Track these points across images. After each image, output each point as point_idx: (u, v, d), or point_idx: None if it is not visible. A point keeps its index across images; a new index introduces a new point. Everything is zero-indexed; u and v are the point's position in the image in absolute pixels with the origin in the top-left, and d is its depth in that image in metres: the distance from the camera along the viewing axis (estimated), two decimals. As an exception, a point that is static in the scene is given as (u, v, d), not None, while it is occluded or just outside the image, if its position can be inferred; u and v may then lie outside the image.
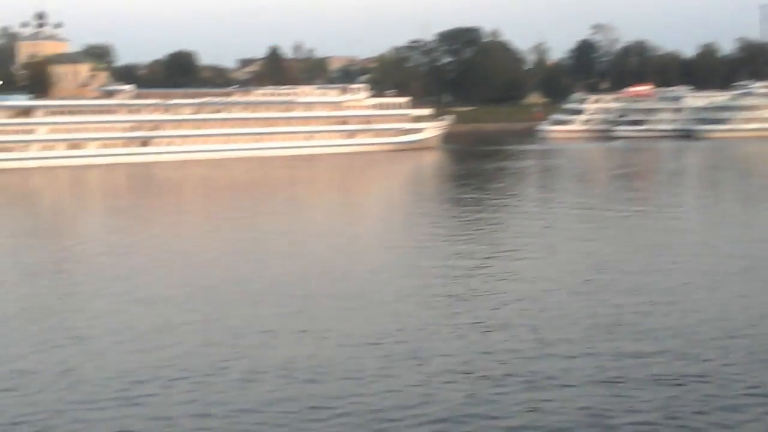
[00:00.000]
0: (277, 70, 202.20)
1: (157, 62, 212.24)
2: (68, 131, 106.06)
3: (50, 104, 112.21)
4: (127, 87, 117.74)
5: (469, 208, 60.83)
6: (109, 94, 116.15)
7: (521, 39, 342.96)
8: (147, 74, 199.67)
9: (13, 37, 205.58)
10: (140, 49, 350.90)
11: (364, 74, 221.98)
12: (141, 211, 64.78)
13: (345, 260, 40.47)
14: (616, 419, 19.95)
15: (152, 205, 70.35)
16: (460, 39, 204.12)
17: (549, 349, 25.05)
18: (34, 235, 53.00)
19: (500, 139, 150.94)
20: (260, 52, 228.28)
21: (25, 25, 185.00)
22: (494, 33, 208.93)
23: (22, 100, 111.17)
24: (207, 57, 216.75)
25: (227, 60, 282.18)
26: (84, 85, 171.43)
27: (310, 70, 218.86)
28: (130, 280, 36.32)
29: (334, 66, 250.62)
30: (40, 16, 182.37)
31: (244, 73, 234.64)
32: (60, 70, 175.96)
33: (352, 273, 37.29)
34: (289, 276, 36.59)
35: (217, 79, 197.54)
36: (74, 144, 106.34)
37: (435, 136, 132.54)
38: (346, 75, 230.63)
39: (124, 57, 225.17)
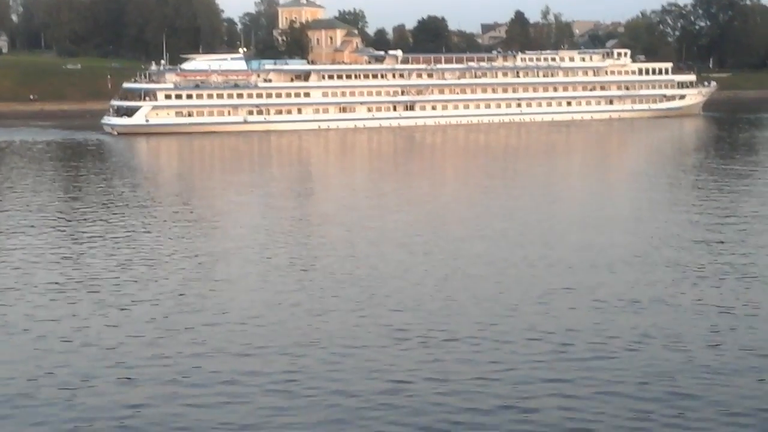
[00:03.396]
0: (523, 34, 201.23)
1: (400, 27, 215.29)
2: (340, 95, 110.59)
3: (324, 68, 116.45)
4: (396, 52, 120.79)
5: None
6: (378, 59, 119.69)
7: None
8: (395, 39, 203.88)
9: (273, 4, 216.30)
10: (388, 14, 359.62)
11: (610, 39, 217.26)
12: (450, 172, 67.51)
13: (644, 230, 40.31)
14: None
15: (454, 165, 73.57)
16: (718, 2, 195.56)
17: None
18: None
19: (761, 106, 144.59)
20: (501, 17, 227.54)
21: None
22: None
23: (299, 65, 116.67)
24: (451, 22, 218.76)
25: (469, 25, 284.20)
26: (338, 50, 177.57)
27: (555, 35, 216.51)
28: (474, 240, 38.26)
29: (579, 31, 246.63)
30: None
31: (487, 39, 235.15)
32: (316, 35, 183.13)
33: (664, 242, 37.20)
34: (614, 245, 37.12)
35: (463, 45, 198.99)
36: (344, 107, 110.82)
37: (697, 103, 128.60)
38: (592, 40, 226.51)
39: (372, 23, 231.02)
